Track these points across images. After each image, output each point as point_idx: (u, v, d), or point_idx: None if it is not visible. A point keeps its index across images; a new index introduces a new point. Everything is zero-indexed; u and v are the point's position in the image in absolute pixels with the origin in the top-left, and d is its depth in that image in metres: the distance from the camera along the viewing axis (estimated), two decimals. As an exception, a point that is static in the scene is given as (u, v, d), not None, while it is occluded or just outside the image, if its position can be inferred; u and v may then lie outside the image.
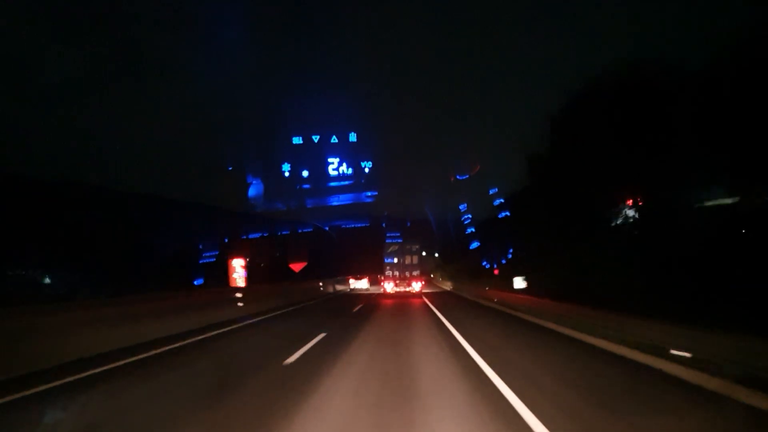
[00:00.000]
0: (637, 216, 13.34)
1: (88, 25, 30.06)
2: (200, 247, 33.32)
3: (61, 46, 27.31)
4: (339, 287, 38.53)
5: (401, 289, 24.47)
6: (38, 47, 25.36)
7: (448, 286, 36.99)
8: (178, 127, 40.00)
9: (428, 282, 43.86)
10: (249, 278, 24.33)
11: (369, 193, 39.21)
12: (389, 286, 24.77)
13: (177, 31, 44.50)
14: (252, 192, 37.48)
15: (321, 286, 29.49)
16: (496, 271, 37.12)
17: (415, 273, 25.20)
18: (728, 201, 9.89)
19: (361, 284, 42.28)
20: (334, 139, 36.16)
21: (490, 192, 47.41)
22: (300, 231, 40.07)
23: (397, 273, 25.15)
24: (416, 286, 24.50)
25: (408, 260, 25.30)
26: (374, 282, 43.65)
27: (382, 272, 26.23)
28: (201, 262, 32.93)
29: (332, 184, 37.27)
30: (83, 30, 29.09)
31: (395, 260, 25.29)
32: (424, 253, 26.61)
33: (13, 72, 24.18)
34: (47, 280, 16.54)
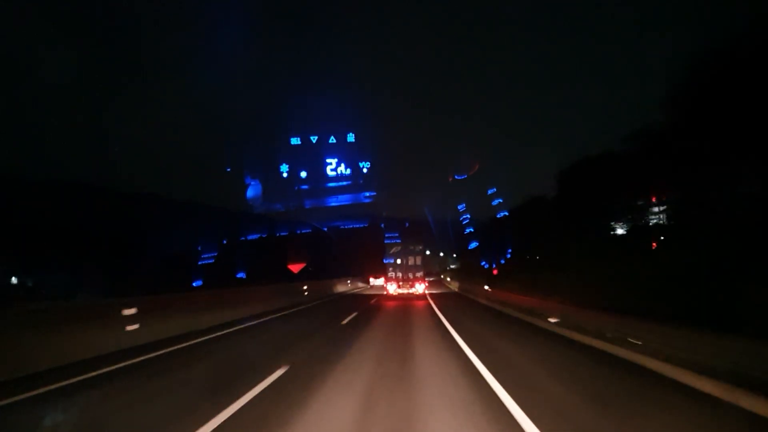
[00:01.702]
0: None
1: (89, 27, 30.14)
2: (199, 248, 33.35)
3: (61, 48, 27.40)
4: (360, 284, 39.20)
5: (404, 290, 24.35)
6: (39, 48, 25.46)
7: (455, 286, 36.99)
8: (176, 128, 40.15)
9: (437, 283, 43.75)
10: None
11: (367, 194, 39.29)
12: (392, 288, 24.60)
13: (177, 34, 44.66)
14: (250, 193, 37.57)
15: (331, 286, 29.82)
16: (495, 271, 37.15)
17: (418, 274, 24.94)
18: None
19: (379, 282, 43.83)
20: (333, 140, 36.23)
21: (489, 192, 47.56)
22: (298, 232, 40.19)
23: (400, 274, 24.96)
24: (420, 288, 24.34)
25: (411, 261, 25.03)
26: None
27: (385, 273, 26.12)
28: (200, 263, 32.95)
29: (331, 184, 37.34)
30: (84, 32, 29.17)
31: (398, 261, 25.11)
32: (428, 252, 26.46)
33: (14, 73, 24.26)
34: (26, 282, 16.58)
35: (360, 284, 40.14)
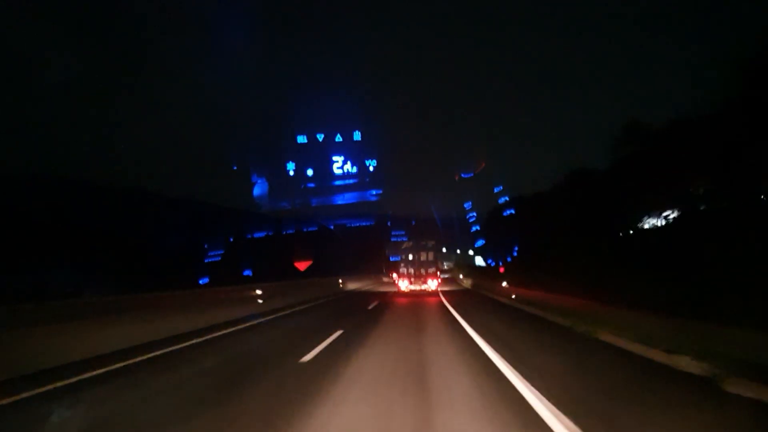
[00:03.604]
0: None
1: (96, 27, 30.19)
2: (205, 246, 33.31)
3: (68, 48, 27.45)
4: (385, 279, 38.81)
5: (416, 287, 24.15)
6: (45, 48, 25.49)
7: (467, 283, 36.58)
8: (183, 128, 40.17)
9: (450, 281, 43.09)
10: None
11: (374, 192, 39.18)
12: (403, 285, 24.35)
13: (183, 34, 44.71)
14: (257, 191, 37.52)
15: (340, 283, 29.76)
16: (501, 269, 36.96)
17: (430, 270, 24.66)
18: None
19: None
20: (339, 138, 36.13)
21: (495, 190, 47.33)
22: (305, 230, 40.10)
23: (411, 270, 24.71)
24: (432, 284, 24.16)
25: (423, 257, 24.79)
26: None
27: (396, 269, 25.87)
28: (206, 261, 32.91)
29: (337, 182, 37.24)
30: (91, 31, 29.21)
31: (410, 257, 24.86)
32: (444, 250, 25.92)
33: (21, 73, 24.30)
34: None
35: (367, 281, 39.81)
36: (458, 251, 56.21)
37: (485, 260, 46.59)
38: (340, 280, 29.47)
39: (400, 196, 44.11)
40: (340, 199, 38.08)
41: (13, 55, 22.91)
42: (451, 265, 56.74)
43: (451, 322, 10.66)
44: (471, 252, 54.86)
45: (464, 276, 41.57)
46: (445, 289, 28.09)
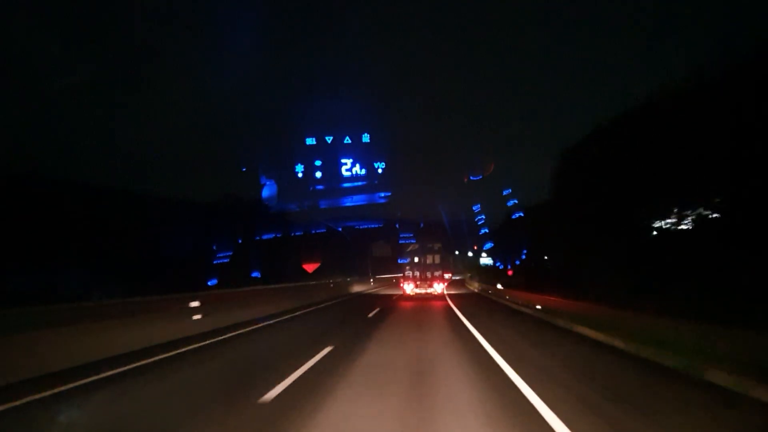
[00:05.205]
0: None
1: (105, 30, 30.47)
2: (214, 247, 33.46)
3: (76, 50, 27.73)
4: (375, 283, 38.74)
5: (422, 290, 23.86)
6: (52, 51, 25.75)
7: (475, 287, 36.20)
8: (191, 129, 40.39)
9: (458, 284, 42.56)
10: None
11: (382, 194, 39.07)
12: (409, 288, 24.07)
13: (191, 37, 44.98)
14: (265, 193, 37.61)
15: (351, 285, 29.82)
16: (510, 272, 36.68)
17: (436, 273, 24.32)
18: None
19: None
20: (347, 140, 36.04)
21: (504, 193, 46.98)
22: (313, 232, 40.11)
23: (417, 273, 24.37)
24: (438, 288, 23.86)
25: (429, 260, 24.45)
26: None
27: (402, 272, 25.55)
28: (215, 262, 33.08)
29: (345, 185, 37.18)
30: (99, 33, 29.48)
31: (416, 260, 24.53)
32: (445, 252, 25.51)
33: (30, 75, 24.57)
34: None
35: (375, 283, 39.67)
36: (457, 252, 55.52)
37: (494, 262, 46.33)
38: (350, 282, 29.34)
39: (409, 199, 44.01)
40: (349, 201, 38.03)
41: (16, 57, 23.16)
42: (447, 269, 55.67)
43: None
44: (470, 254, 54.37)
45: (471, 278, 41.26)
46: (453, 292, 27.97)
